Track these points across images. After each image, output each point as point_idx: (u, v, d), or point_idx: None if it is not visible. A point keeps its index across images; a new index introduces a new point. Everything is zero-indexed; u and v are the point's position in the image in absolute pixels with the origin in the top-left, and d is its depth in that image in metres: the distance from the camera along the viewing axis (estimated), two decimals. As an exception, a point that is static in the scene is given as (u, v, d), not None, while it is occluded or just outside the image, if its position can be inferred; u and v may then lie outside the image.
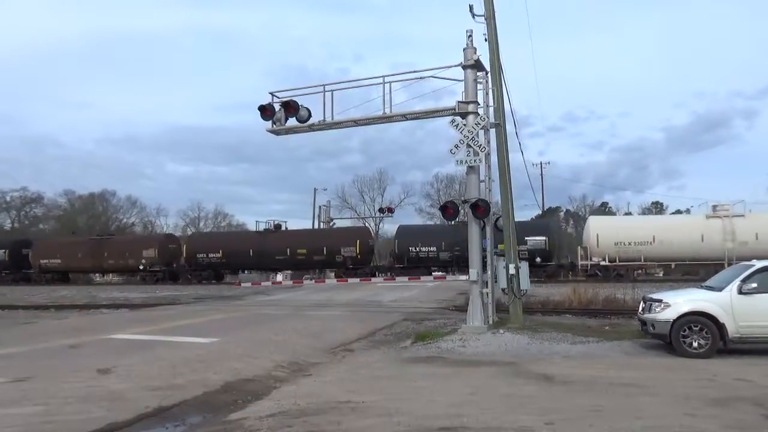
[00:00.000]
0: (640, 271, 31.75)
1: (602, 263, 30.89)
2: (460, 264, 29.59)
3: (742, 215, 30.56)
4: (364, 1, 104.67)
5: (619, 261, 30.66)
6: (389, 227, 53.89)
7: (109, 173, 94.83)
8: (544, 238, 32.91)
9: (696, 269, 30.70)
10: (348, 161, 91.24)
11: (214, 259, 38.46)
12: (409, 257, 34.88)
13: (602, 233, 31.17)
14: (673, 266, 31.59)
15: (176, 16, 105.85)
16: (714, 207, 31.11)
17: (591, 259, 31.30)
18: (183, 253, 40.06)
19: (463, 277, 16.03)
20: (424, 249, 34.67)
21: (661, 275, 33.29)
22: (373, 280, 31.58)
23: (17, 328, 14.77)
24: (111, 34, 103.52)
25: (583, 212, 59.47)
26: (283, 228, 40.76)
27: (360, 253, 35.90)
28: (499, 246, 13.32)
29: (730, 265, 19.83)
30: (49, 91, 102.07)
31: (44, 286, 36.78)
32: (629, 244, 30.53)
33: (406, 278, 31.30)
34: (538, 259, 31.17)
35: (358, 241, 36.32)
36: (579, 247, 33.52)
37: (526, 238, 29.86)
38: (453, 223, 21.75)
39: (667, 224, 32.59)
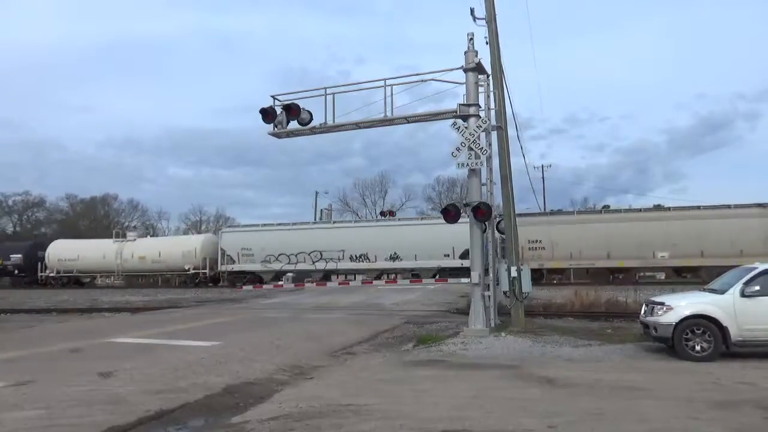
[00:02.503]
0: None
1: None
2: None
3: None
4: (365, 4, 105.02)
5: None
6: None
7: (111, 177, 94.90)
8: None
9: None
10: (350, 164, 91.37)
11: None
12: None
13: None
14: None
15: (178, 20, 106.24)
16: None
17: None
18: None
19: (465, 280, 16.02)
20: None
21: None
22: (375, 282, 31.53)
23: (19, 332, 14.77)
24: (112, 38, 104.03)
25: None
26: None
27: None
28: None
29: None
30: (51, 95, 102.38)
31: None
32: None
33: (407, 281, 31.29)
34: None
35: None
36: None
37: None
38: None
39: None
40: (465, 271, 30.14)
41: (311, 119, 13.90)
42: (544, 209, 38.33)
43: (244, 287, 32.04)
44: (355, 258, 33.81)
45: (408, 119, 13.81)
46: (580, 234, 29.16)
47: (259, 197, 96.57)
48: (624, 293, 17.58)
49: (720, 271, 13.55)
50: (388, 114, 13.23)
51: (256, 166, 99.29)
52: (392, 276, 33.49)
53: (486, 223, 12.54)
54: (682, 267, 29.40)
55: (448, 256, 31.67)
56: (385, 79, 13.14)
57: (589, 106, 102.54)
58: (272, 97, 14.06)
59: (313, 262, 34.31)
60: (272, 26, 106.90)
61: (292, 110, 13.70)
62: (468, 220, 12.82)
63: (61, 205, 67.61)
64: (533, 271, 29.82)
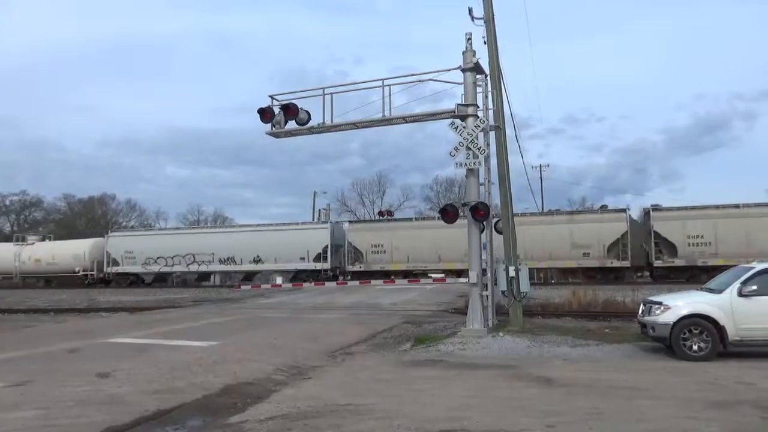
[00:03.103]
0: None
1: None
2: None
3: None
4: (364, 4, 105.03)
5: None
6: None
7: (109, 176, 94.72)
8: None
9: None
10: (348, 164, 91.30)
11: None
12: None
13: None
14: None
15: (177, 20, 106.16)
16: None
17: None
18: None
19: (463, 280, 16.04)
20: None
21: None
22: (373, 282, 31.58)
23: (17, 332, 14.74)
24: (111, 38, 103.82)
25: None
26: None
27: None
28: None
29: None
30: (48, 95, 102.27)
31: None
32: None
33: (405, 281, 31.34)
34: None
35: None
36: None
37: None
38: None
39: None
40: (319, 274, 34.41)
41: (309, 119, 13.88)
42: (542, 209, 38.50)
43: (242, 287, 32.04)
44: (223, 261, 36.90)
45: (406, 119, 13.80)
46: (415, 239, 33.07)
47: (257, 197, 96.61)
48: (621, 293, 17.61)
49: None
50: (386, 114, 13.22)
51: (254, 166, 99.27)
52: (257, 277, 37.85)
53: (484, 223, 12.55)
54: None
55: (304, 259, 34.91)
56: (383, 79, 13.15)
57: (588, 106, 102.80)
58: (270, 97, 14.05)
59: (187, 265, 37.37)
60: (271, 26, 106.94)
61: (290, 110, 13.68)
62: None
63: (59, 205, 67.59)
64: (377, 272, 33.10)
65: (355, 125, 14.07)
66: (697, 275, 26.41)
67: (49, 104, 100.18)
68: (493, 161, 13.17)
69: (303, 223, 38.64)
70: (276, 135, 14.37)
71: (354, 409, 6.26)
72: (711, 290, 10.00)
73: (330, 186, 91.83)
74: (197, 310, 20.22)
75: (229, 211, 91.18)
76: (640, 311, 10.43)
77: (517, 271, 12.86)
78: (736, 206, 29.09)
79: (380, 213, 49.30)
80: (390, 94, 13.03)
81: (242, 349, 10.61)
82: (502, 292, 13.07)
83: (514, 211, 13.56)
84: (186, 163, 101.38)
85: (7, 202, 64.73)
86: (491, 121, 13.03)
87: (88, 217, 66.21)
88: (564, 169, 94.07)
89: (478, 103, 12.84)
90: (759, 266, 9.63)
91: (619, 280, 29.71)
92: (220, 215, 69.36)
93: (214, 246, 36.94)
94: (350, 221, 40.62)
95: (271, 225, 38.91)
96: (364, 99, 13.75)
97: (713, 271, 20.67)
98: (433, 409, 6.24)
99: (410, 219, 38.26)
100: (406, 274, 32.96)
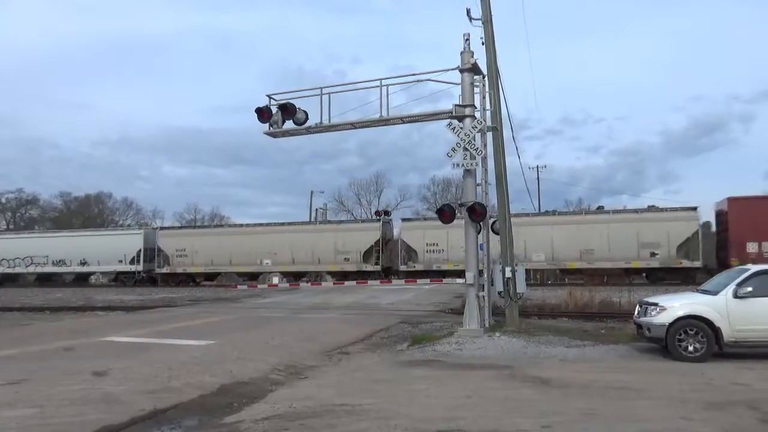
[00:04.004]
0: None
1: None
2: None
3: None
4: (362, 3, 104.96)
5: None
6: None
7: (105, 175, 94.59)
8: None
9: None
10: (345, 163, 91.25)
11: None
12: None
13: None
14: None
15: (174, 19, 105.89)
16: None
17: None
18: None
19: (460, 280, 16.05)
20: None
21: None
22: (370, 282, 31.57)
23: (12, 330, 14.69)
24: (109, 36, 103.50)
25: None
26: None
27: None
28: None
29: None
30: (45, 93, 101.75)
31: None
32: None
33: (402, 281, 31.32)
34: None
35: None
36: None
37: None
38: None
39: None
40: (134, 275, 38.43)
41: (307, 119, 13.88)
42: (539, 210, 38.59)
43: (239, 286, 32.00)
44: (56, 263, 40.41)
45: (404, 119, 13.81)
46: (217, 244, 37.48)
47: (255, 196, 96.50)
48: (618, 294, 17.64)
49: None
50: (384, 114, 13.23)
51: (251, 164, 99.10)
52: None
53: (481, 223, 12.56)
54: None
55: (122, 261, 38.90)
56: (380, 79, 13.16)
57: (585, 107, 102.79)
58: (268, 96, 14.05)
59: (26, 267, 41.09)
60: (268, 25, 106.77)
61: (287, 110, 13.69)
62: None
63: (55, 203, 67.42)
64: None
65: (353, 125, 14.08)
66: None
67: (46, 102, 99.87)
68: (491, 162, 13.19)
69: (120, 228, 47.63)
70: (273, 135, 14.37)
71: (350, 409, 6.26)
72: (707, 292, 10.03)
73: (327, 185, 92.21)
74: (194, 310, 20.18)
75: (226, 210, 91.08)
76: (636, 312, 10.46)
77: (513, 271, 12.89)
78: None
79: (377, 213, 49.27)
80: (388, 94, 13.06)
81: (238, 348, 10.60)
82: (499, 293, 13.10)
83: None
84: (183, 161, 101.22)
85: (3, 200, 64.56)
86: (489, 122, 13.04)
87: (85, 215, 66.08)
88: (561, 170, 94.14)
89: (475, 103, 12.85)
90: (754, 268, 9.68)
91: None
92: (217, 214, 69.32)
93: (48, 249, 40.44)
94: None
95: (95, 231, 44.44)
96: (361, 99, 13.78)
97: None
98: (429, 409, 6.24)
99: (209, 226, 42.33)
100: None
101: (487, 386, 7.51)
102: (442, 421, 5.69)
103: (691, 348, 9.20)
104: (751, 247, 27.57)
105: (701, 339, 9.19)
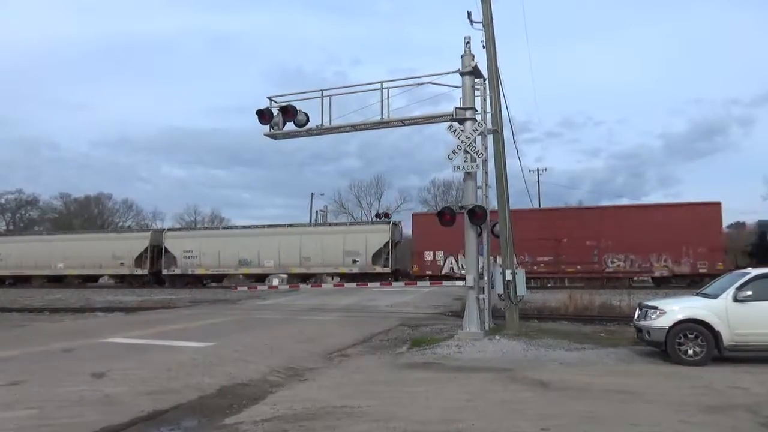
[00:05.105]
0: None
1: None
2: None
3: None
4: (363, 5, 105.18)
5: None
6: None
7: (105, 176, 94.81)
8: None
9: None
10: (346, 165, 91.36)
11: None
12: None
13: None
14: None
15: (174, 19, 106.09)
16: None
17: None
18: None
19: (460, 283, 16.06)
20: None
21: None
22: (370, 284, 31.51)
23: (11, 331, 14.68)
24: (108, 36, 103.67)
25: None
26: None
27: None
28: None
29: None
30: (44, 93, 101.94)
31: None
32: None
33: (402, 283, 31.27)
34: None
35: None
36: None
37: None
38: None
39: None
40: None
41: (307, 121, 13.89)
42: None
43: (239, 288, 31.94)
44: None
45: (404, 122, 13.82)
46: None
47: (255, 198, 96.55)
48: (618, 297, 17.65)
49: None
50: (385, 116, 13.24)
51: (251, 166, 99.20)
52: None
53: (481, 226, 12.56)
54: None
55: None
56: (381, 82, 13.17)
57: (585, 110, 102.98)
58: (269, 98, 14.06)
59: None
60: (269, 26, 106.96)
61: (288, 112, 13.70)
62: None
63: (55, 204, 67.44)
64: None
65: (354, 128, 14.09)
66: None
67: (44, 102, 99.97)
68: (491, 164, 13.21)
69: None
70: (274, 137, 14.38)
71: (349, 411, 6.26)
72: (706, 295, 10.03)
73: (327, 187, 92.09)
74: (193, 311, 20.16)
75: (226, 212, 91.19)
76: (636, 315, 10.46)
77: (513, 274, 12.88)
78: None
79: (377, 215, 49.31)
80: (388, 97, 13.06)
81: (238, 350, 10.60)
82: (499, 296, 13.10)
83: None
84: (182, 162, 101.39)
85: (3, 201, 64.56)
86: (489, 125, 13.05)
87: (85, 216, 66.07)
88: (561, 173, 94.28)
89: (476, 106, 12.86)
90: (754, 272, 9.68)
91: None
92: (217, 216, 69.38)
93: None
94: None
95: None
96: (362, 101, 13.78)
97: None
98: (428, 411, 6.25)
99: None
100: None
101: (486, 389, 7.51)
102: (442, 423, 5.70)
103: (690, 352, 9.19)
104: (428, 256, 32.48)
105: (701, 343, 9.18)
